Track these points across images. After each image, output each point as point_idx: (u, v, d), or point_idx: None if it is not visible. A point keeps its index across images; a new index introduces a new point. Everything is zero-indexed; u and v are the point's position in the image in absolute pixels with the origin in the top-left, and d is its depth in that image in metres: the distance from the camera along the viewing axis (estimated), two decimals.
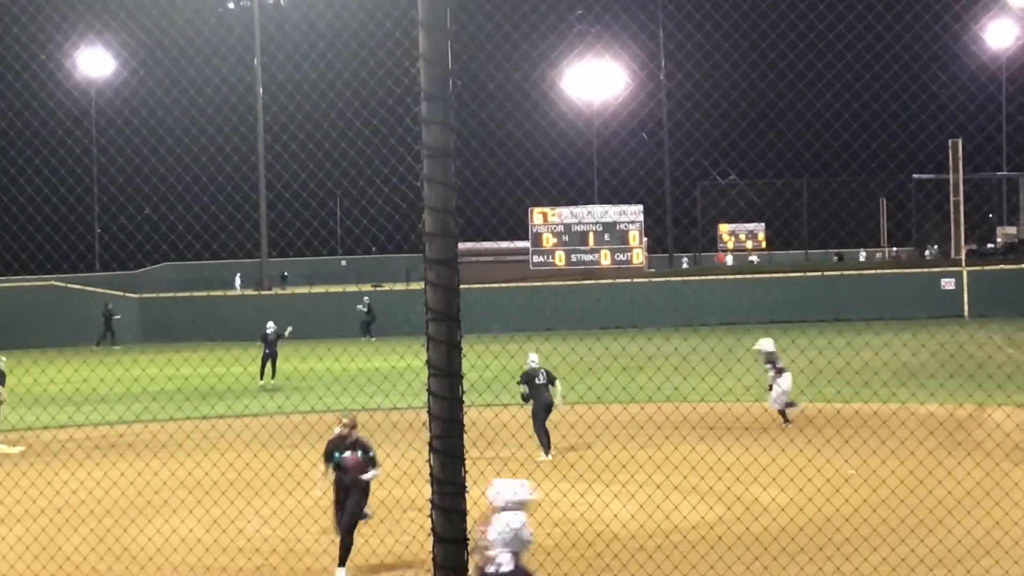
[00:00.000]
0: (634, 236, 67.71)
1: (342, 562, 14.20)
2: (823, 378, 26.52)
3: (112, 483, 18.25)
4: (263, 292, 66.37)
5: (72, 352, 36.63)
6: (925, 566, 13.40)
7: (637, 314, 53.93)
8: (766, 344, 25.19)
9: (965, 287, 54.15)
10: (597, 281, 59.87)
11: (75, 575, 14.46)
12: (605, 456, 19.28)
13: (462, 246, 7.61)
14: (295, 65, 26.71)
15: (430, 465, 7.02)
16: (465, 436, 7.08)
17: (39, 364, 27.16)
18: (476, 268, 60.51)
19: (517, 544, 8.04)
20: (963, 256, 57.19)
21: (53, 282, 57.26)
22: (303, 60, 24.28)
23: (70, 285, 58.18)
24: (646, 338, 31.21)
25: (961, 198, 57.64)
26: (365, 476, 14.38)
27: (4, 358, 25.96)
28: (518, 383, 22.26)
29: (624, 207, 67.97)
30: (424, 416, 7.11)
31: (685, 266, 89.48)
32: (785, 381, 24.67)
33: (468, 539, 7.08)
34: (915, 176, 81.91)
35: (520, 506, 8.22)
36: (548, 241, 67.92)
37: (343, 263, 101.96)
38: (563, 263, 67.40)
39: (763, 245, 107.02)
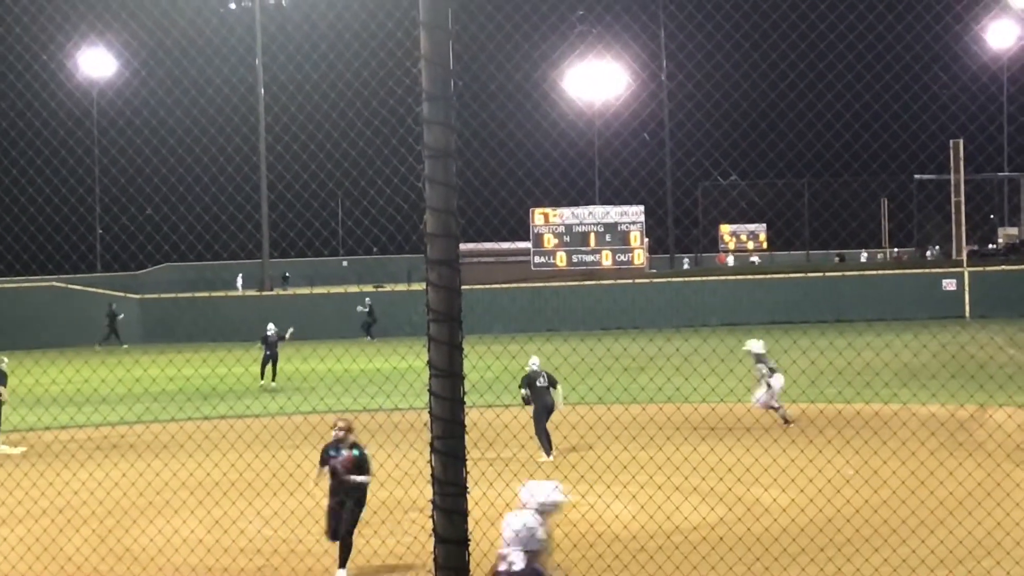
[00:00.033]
0: (635, 237, 67.67)
1: (343, 563, 14.18)
2: (824, 379, 26.51)
3: (113, 484, 18.24)
4: (264, 293, 66.36)
5: (73, 353, 36.60)
6: (926, 567, 13.39)
7: (638, 315, 53.93)
8: (755, 345, 25.16)
9: (966, 288, 54.11)
10: (598, 282, 59.85)
11: None
12: (606, 457, 19.25)
13: (463, 247, 7.62)
14: (296, 66, 26.71)
15: (431, 466, 7.03)
16: (466, 437, 7.08)
17: (40, 365, 27.17)
18: (477, 269, 60.49)
19: (533, 544, 7.93)
20: (964, 257, 57.15)
21: (54, 282, 57.28)
22: (304, 61, 24.25)
23: (71, 286, 58.20)
24: (647, 339, 31.21)
25: (962, 199, 57.63)
26: (355, 477, 14.15)
27: (6, 359, 25.96)
28: (519, 387, 22.24)
29: (625, 208, 67.93)
30: (425, 417, 7.12)
31: (686, 267, 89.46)
32: (777, 381, 24.64)
33: (469, 540, 7.08)
34: (916, 177, 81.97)
35: (554, 508, 8.12)
36: (549, 242, 67.85)
37: (344, 264, 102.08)
38: (564, 264, 67.34)
39: (764, 246, 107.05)
